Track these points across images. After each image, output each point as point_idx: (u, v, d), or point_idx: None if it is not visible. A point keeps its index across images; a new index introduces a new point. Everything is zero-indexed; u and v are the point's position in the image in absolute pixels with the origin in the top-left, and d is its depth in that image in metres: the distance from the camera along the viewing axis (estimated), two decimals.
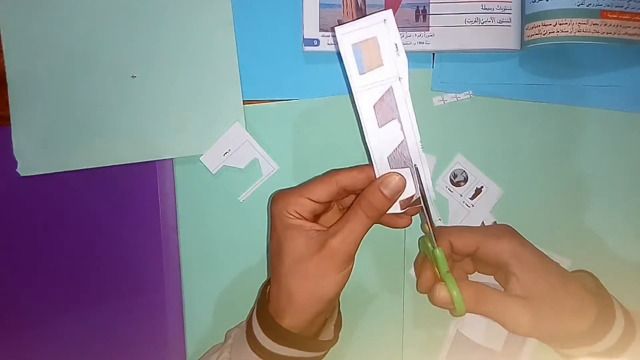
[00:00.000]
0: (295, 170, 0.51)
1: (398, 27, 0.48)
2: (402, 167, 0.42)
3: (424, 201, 0.42)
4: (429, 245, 0.43)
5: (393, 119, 0.41)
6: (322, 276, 0.41)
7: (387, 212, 0.42)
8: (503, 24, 0.48)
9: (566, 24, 0.45)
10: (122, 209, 0.51)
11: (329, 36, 0.49)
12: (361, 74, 0.41)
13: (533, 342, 0.50)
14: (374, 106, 0.41)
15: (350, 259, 0.41)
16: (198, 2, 0.49)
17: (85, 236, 0.51)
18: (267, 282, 0.46)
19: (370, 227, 0.41)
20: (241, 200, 0.51)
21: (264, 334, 0.42)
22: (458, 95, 0.50)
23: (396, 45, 0.40)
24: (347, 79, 0.41)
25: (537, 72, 0.49)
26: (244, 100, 0.50)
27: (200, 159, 0.50)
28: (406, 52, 0.48)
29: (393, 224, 0.45)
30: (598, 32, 0.45)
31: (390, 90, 0.41)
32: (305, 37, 0.49)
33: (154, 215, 0.51)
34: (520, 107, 0.50)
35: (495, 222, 0.50)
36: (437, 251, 0.43)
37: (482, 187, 0.50)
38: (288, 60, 0.50)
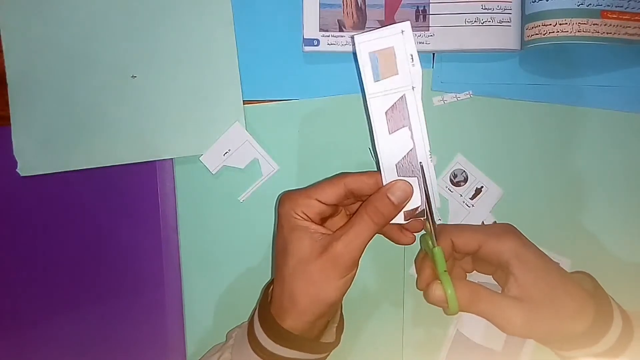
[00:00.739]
0: (295, 171, 0.51)
1: None
2: (409, 176, 0.42)
3: (428, 203, 0.42)
4: (430, 243, 0.44)
5: (404, 127, 0.42)
6: (324, 280, 0.41)
7: (391, 222, 0.42)
8: (503, 24, 0.48)
9: (566, 24, 0.45)
10: (122, 209, 0.51)
11: (329, 36, 0.49)
12: (376, 81, 0.42)
13: (533, 342, 0.50)
14: (385, 112, 0.42)
15: (354, 264, 0.41)
16: (198, 2, 0.49)
17: (85, 236, 0.51)
18: (269, 283, 0.46)
19: (375, 233, 0.41)
20: (241, 200, 0.51)
21: (266, 335, 0.42)
22: (458, 95, 0.50)
23: (412, 55, 0.42)
24: (362, 84, 0.42)
25: (537, 72, 0.49)
26: (244, 100, 0.50)
27: (200, 159, 0.50)
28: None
29: (396, 239, 0.46)
30: (598, 32, 0.45)
31: (403, 99, 0.42)
32: (305, 37, 0.49)
33: (154, 215, 0.51)
34: (520, 107, 0.50)
35: (495, 222, 0.50)
36: (436, 250, 0.43)
37: (482, 187, 0.50)
38: (288, 60, 0.50)
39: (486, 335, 0.51)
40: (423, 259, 0.47)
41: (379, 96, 0.42)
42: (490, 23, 0.48)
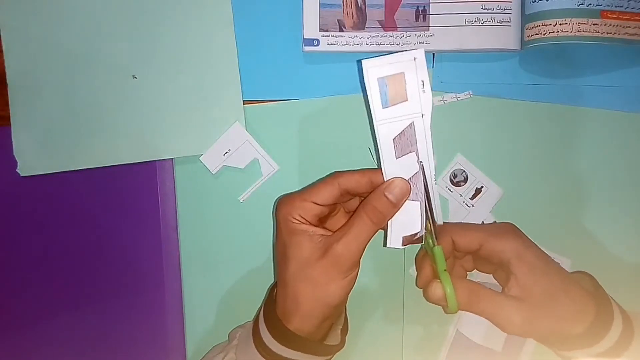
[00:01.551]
0: (295, 170, 0.51)
1: (397, 27, 0.49)
2: (413, 200, 0.42)
3: (428, 201, 0.42)
4: (430, 242, 0.44)
5: (411, 152, 0.41)
6: (327, 281, 0.41)
7: (388, 247, 0.42)
8: (503, 24, 0.48)
9: (566, 24, 0.45)
10: (122, 209, 0.51)
11: (329, 36, 0.49)
12: (384, 107, 0.41)
13: (533, 342, 0.50)
14: (393, 139, 0.41)
15: (355, 264, 0.41)
16: (198, 2, 0.49)
17: (85, 236, 0.51)
18: (275, 284, 0.46)
19: (375, 232, 0.41)
20: (241, 200, 0.51)
21: (271, 336, 0.42)
22: (458, 95, 0.50)
23: (423, 82, 0.41)
24: (369, 107, 0.41)
25: (537, 72, 0.49)
26: (244, 100, 0.50)
27: (200, 159, 0.50)
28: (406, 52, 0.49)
29: None
30: (598, 32, 0.45)
31: (411, 125, 0.41)
32: (305, 37, 0.49)
33: (154, 215, 0.51)
34: (520, 107, 0.50)
35: (495, 222, 0.50)
36: (436, 249, 0.43)
37: (482, 187, 0.50)
38: (288, 60, 0.50)
39: (486, 335, 0.50)
40: (423, 257, 0.47)
41: (387, 123, 0.41)
42: (490, 23, 0.48)
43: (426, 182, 0.42)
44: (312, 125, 0.51)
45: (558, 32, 0.45)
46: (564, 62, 0.49)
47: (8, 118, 0.50)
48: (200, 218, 0.51)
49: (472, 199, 0.50)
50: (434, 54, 0.50)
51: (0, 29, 0.49)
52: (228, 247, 0.51)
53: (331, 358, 0.45)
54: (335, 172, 0.44)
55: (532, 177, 0.50)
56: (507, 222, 0.46)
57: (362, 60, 0.40)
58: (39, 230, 0.52)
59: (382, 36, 0.49)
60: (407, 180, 0.41)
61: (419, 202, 0.42)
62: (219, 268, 0.52)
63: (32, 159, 0.50)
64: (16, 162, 0.49)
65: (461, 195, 0.50)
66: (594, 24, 0.45)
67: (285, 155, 0.51)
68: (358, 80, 0.50)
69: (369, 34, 0.49)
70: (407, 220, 0.42)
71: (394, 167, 0.41)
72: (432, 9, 0.48)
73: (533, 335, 0.43)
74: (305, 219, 0.42)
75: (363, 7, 0.49)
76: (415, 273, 0.48)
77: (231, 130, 0.50)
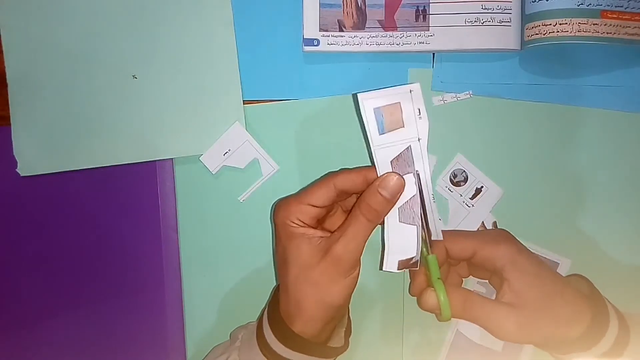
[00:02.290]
0: (295, 170, 0.51)
1: (397, 27, 0.49)
2: (409, 223, 0.42)
3: (423, 209, 0.42)
4: (424, 250, 0.44)
5: (408, 173, 0.42)
6: (329, 283, 0.41)
7: (384, 270, 0.42)
8: (503, 23, 0.48)
9: (566, 24, 0.45)
10: (122, 209, 0.51)
11: (329, 36, 0.49)
12: (381, 134, 0.41)
13: None
14: (391, 162, 0.42)
15: (356, 264, 0.41)
16: (198, 2, 0.49)
17: (85, 236, 0.51)
18: (278, 286, 0.46)
19: (372, 230, 0.41)
20: (241, 200, 0.51)
21: (275, 338, 0.42)
22: (458, 95, 0.50)
23: (419, 110, 0.41)
24: (366, 135, 0.41)
25: (537, 72, 0.49)
26: (244, 100, 0.50)
27: (200, 159, 0.50)
28: (406, 52, 0.49)
29: None
30: (598, 32, 0.45)
31: (408, 149, 0.41)
32: (305, 37, 0.49)
33: (154, 215, 0.51)
34: (520, 107, 0.50)
35: (496, 222, 0.50)
36: (430, 258, 0.43)
37: (482, 187, 0.50)
38: (288, 60, 0.50)
39: (486, 335, 0.50)
40: None
41: (384, 147, 0.41)
42: (490, 23, 0.48)
43: (423, 200, 0.42)
44: (312, 125, 0.51)
45: (558, 32, 0.45)
46: (564, 62, 0.49)
47: (8, 118, 0.50)
48: (200, 218, 0.51)
49: (472, 198, 0.50)
50: (434, 54, 0.50)
51: (1, 29, 0.49)
52: (228, 247, 0.51)
53: None
54: (330, 172, 0.44)
55: (532, 177, 0.50)
56: (501, 229, 0.47)
57: (358, 94, 0.41)
58: (39, 230, 0.52)
59: (382, 36, 0.49)
60: (401, 176, 0.41)
61: (415, 227, 0.42)
62: (218, 268, 0.52)
63: (32, 159, 0.50)
64: (16, 162, 0.49)
65: (461, 195, 0.50)
66: (594, 24, 0.45)
67: (285, 155, 0.51)
68: (358, 80, 0.50)
69: (369, 34, 0.49)
70: (404, 244, 0.42)
71: None
72: (432, 9, 0.48)
73: (528, 341, 0.43)
74: (303, 221, 0.42)
75: (363, 7, 0.49)
76: (409, 279, 0.48)
77: (231, 130, 0.50)
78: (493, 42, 0.48)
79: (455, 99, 0.50)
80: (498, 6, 0.48)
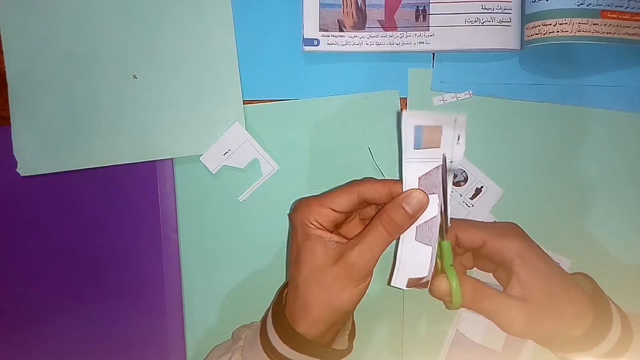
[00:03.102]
0: (295, 170, 0.51)
1: (397, 27, 0.49)
2: (425, 243, 0.41)
3: (444, 195, 0.42)
4: (439, 236, 0.43)
5: (434, 194, 0.41)
6: (338, 289, 0.41)
7: (391, 285, 0.42)
8: (503, 23, 0.48)
9: (566, 23, 0.45)
10: (122, 209, 0.51)
11: (329, 36, 0.49)
12: (416, 148, 0.41)
13: (533, 343, 0.50)
14: (419, 178, 0.41)
15: (368, 274, 0.41)
16: (198, 2, 0.49)
17: (85, 236, 0.51)
18: (284, 286, 0.46)
19: (390, 243, 0.41)
20: (241, 200, 0.51)
21: (279, 339, 0.42)
22: (458, 95, 0.50)
23: (459, 136, 0.41)
24: (401, 145, 0.41)
25: (537, 72, 0.49)
26: (244, 100, 0.50)
27: (200, 159, 0.50)
28: (406, 52, 0.49)
29: None
30: (598, 32, 0.45)
31: (438, 168, 0.41)
32: (305, 37, 0.49)
33: (154, 215, 0.51)
34: (520, 107, 0.50)
35: (496, 221, 0.50)
36: (444, 243, 0.42)
37: (482, 186, 0.50)
38: (288, 60, 0.50)
39: (486, 335, 0.50)
40: None
41: (416, 162, 0.41)
42: (490, 23, 0.48)
43: (445, 189, 0.41)
44: (312, 125, 0.51)
45: (558, 32, 0.45)
46: (564, 62, 0.49)
47: (8, 118, 0.50)
48: (200, 218, 0.51)
49: (472, 198, 0.50)
50: (434, 54, 0.50)
51: (1, 29, 0.49)
52: (228, 247, 0.51)
53: None
54: (354, 180, 0.44)
55: (532, 177, 0.50)
56: (511, 222, 0.46)
57: (402, 112, 0.40)
58: (38, 230, 0.52)
59: (382, 36, 0.49)
60: (426, 194, 0.41)
61: (430, 248, 0.41)
62: (218, 268, 0.51)
63: (32, 158, 0.50)
64: (16, 162, 0.49)
65: (461, 195, 0.50)
66: (594, 24, 0.45)
67: (285, 155, 0.51)
68: (358, 80, 0.50)
69: (369, 33, 0.49)
70: (416, 263, 0.42)
71: None
72: (432, 9, 0.48)
73: (533, 337, 0.43)
74: (321, 224, 0.42)
75: (363, 7, 0.49)
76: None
77: (231, 130, 0.50)
78: (493, 42, 0.48)
79: (455, 99, 0.50)
80: (498, 6, 0.48)
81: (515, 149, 0.50)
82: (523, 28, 0.47)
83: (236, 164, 0.50)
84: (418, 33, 0.48)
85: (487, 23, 0.48)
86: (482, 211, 0.50)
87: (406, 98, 0.50)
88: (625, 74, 0.49)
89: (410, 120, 0.40)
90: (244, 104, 0.50)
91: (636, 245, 0.50)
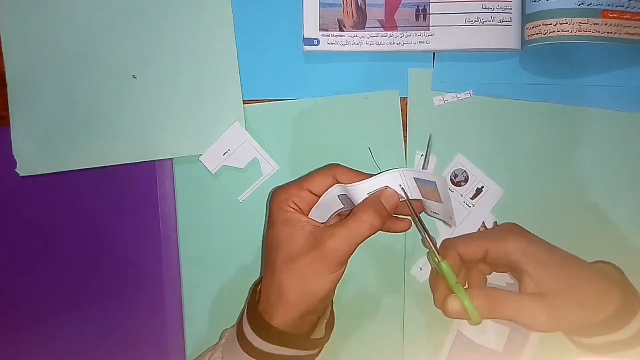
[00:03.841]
0: (295, 170, 0.51)
1: (397, 27, 0.49)
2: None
3: (419, 219, 0.43)
4: (435, 259, 0.43)
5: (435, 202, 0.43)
6: (313, 275, 0.41)
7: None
8: (503, 23, 0.48)
9: (566, 23, 0.45)
10: (122, 209, 0.51)
11: (328, 36, 0.49)
12: (417, 182, 0.42)
13: (534, 343, 0.50)
14: (419, 188, 0.42)
15: (343, 263, 0.41)
16: (198, 2, 0.49)
17: (85, 236, 0.51)
18: (258, 282, 0.46)
19: (369, 236, 0.41)
20: (241, 200, 0.51)
21: (254, 333, 0.42)
22: (458, 95, 0.50)
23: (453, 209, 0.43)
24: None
25: (537, 71, 0.49)
26: (244, 100, 0.50)
27: (200, 159, 0.50)
28: (406, 51, 0.49)
29: (392, 229, 0.46)
30: (598, 32, 0.45)
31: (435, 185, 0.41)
32: (305, 36, 0.49)
33: (154, 215, 0.50)
34: (521, 107, 0.50)
35: (496, 222, 0.50)
36: (442, 264, 0.43)
37: (482, 187, 0.50)
38: (288, 60, 0.50)
39: (487, 335, 0.50)
40: (435, 276, 0.47)
41: (415, 180, 0.42)
42: (491, 22, 0.48)
43: (420, 217, 0.43)
44: (312, 125, 0.51)
45: (558, 31, 0.45)
46: (564, 62, 0.49)
47: (7, 118, 0.50)
48: (200, 218, 0.51)
49: (472, 198, 0.50)
50: (434, 54, 0.50)
51: (0, 29, 0.49)
52: (227, 247, 0.51)
53: (318, 352, 0.45)
54: (332, 163, 0.45)
55: (533, 177, 0.50)
56: (509, 223, 0.46)
57: (402, 170, 0.41)
58: (38, 230, 0.51)
59: (382, 36, 0.49)
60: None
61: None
62: (218, 268, 0.51)
63: (32, 158, 0.50)
64: (15, 162, 0.49)
65: (462, 195, 0.50)
66: (594, 24, 0.45)
67: (285, 155, 0.51)
68: (358, 80, 0.50)
69: (369, 33, 0.49)
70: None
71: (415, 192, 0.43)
72: (432, 8, 0.48)
73: (560, 328, 0.42)
74: (299, 206, 0.43)
75: (363, 6, 0.49)
76: (420, 269, 0.49)
77: (231, 130, 0.50)
78: (493, 41, 0.48)
79: (456, 98, 0.50)
80: (498, 6, 0.48)
81: (516, 148, 0.50)
82: (523, 28, 0.47)
83: (236, 164, 0.50)
84: (418, 33, 0.48)
85: (488, 23, 0.48)
86: (482, 211, 0.50)
87: (406, 98, 0.50)
88: (625, 74, 0.49)
89: (409, 174, 0.41)
90: (243, 103, 0.50)
91: (636, 244, 0.50)
